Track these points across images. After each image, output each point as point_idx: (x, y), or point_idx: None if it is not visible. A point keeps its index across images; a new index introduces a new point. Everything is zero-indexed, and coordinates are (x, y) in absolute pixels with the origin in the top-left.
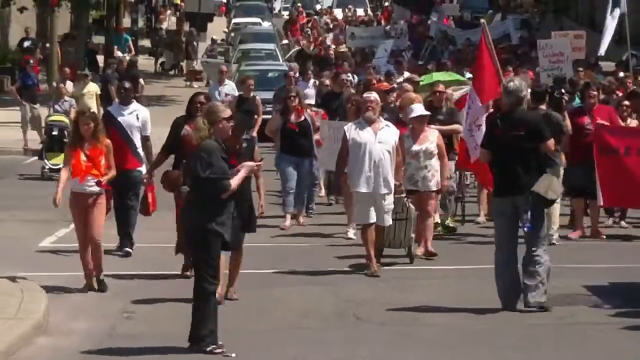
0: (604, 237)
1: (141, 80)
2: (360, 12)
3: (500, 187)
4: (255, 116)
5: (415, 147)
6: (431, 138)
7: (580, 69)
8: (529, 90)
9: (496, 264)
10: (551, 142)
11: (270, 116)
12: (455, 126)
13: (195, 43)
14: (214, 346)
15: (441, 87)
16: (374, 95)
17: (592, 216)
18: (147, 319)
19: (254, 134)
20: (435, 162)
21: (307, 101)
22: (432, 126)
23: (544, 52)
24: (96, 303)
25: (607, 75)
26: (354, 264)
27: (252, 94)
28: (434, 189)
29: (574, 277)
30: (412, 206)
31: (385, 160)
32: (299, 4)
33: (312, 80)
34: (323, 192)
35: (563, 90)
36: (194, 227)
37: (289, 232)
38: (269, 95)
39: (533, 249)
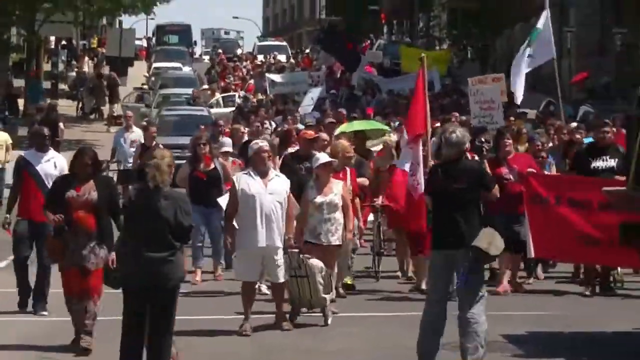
0: (526, 288)
1: (61, 124)
2: (282, 58)
3: (439, 239)
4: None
5: (319, 199)
6: (335, 190)
7: (512, 117)
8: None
9: (423, 321)
10: (496, 190)
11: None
12: (362, 180)
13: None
14: None
15: (323, 136)
16: (266, 144)
17: (513, 271)
18: None
19: None
20: (339, 216)
21: (225, 149)
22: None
23: (474, 99)
24: (13, 349)
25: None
26: (272, 311)
27: (154, 142)
28: (337, 243)
29: (492, 325)
30: (313, 262)
31: (276, 212)
32: (220, 50)
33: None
34: None
35: (483, 139)
36: (182, 273)
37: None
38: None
39: (470, 307)
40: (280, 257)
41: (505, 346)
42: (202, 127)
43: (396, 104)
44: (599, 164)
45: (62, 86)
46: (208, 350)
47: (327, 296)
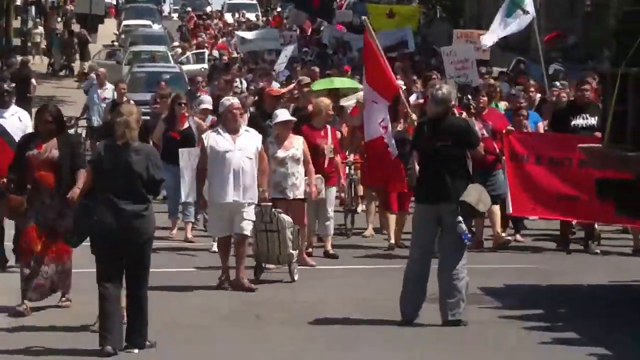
0: (509, 238)
1: (33, 81)
2: (251, 16)
3: (425, 193)
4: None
5: (281, 153)
6: (296, 144)
7: (486, 75)
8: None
9: (406, 275)
10: (481, 147)
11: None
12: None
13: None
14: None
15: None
16: (237, 101)
17: (492, 222)
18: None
19: None
20: (301, 169)
21: (204, 106)
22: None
23: (449, 60)
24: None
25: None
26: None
27: (125, 99)
28: (302, 196)
29: (470, 278)
30: (284, 217)
31: (246, 168)
32: (189, 8)
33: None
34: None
35: (469, 96)
36: (150, 235)
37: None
38: None
39: (453, 263)
40: (248, 212)
41: (483, 298)
42: (163, 83)
43: None
44: (579, 122)
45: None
46: (187, 304)
47: (294, 252)
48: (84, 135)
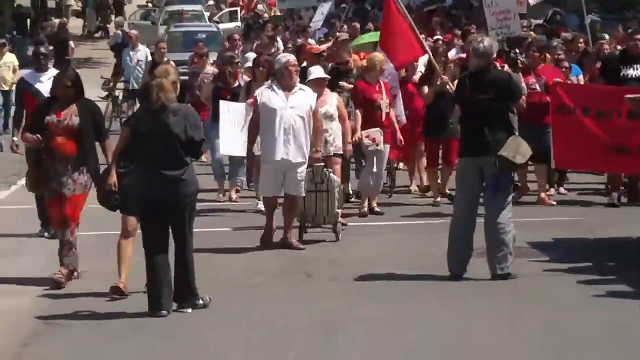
0: (554, 203)
1: (71, 43)
2: None
3: (466, 147)
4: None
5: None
6: (330, 101)
7: (525, 28)
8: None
9: (452, 231)
10: (523, 100)
11: (187, 77)
12: None
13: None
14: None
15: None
16: (293, 58)
17: (539, 182)
18: (97, 278)
19: None
20: (335, 126)
21: (249, 64)
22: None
23: (490, 10)
24: (47, 264)
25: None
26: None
27: (165, 58)
28: (335, 152)
29: (517, 232)
30: (334, 177)
31: (297, 126)
32: None
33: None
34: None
35: (517, 50)
36: (194, 190)
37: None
38: None
39: (499, 217)
40: (301, 172)
41: (531, 252)
42: (200, 43)
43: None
44: (629, 72)
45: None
46: (234, 264)
47: (339, 211)
48: (120, 98)
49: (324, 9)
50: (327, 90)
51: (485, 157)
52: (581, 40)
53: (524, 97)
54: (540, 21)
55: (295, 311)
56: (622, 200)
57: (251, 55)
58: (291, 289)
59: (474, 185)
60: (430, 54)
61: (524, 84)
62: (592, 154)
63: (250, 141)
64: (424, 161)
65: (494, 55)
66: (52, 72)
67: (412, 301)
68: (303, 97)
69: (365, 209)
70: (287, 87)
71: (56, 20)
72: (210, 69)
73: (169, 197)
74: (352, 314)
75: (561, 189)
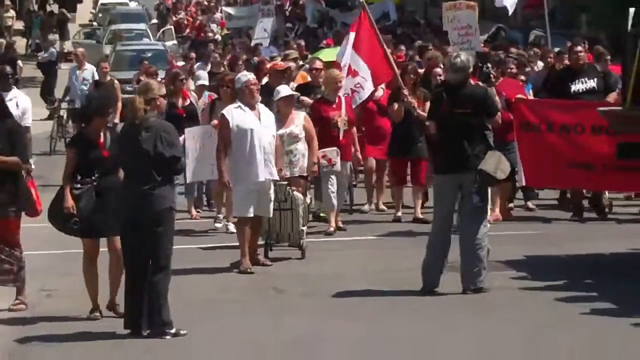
0: (500, 218)
1: (19, 62)
2: None
3: (443, 163)
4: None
5: (279, 131)
6: (297, 121)
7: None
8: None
9: (429, 245)
10: (499, 117)
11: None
12: None
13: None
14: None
15: (318, 64)
16: (252, 76)
17: (500, 198)
18: (68, 297)
19: (116, 120)
20: (301, 147)
21: (201, 82)
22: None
23: (452, 25)
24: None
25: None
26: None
27: (108, 77)
28: (299, 174)
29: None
30: (298, 195)
31: (271, 146)
32: None
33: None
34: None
35: (489, 65)
36: (163, 207)
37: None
38: None
39: (474, 231)
40: (272, 191)
41: (502, 266)
42: (146, 62)
43: None
44: (579, 86)
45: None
46: (203, 281)
47: (304, 229)
48: (65, 117)
49: (266, 24)
50: (293, 110)
51: (465, 174)
52: (551, 55)
53: (499, 113)
54: (484, 37)
55: (269, 327)
56: (584, 215)
57: (203, 74)
58: (262, 305)
59: (452, 200)
60: (397, 72)
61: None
62: (558, 171)
63: (223, 162)
64: (384, 180)
65: (471, 70)
66: (14, 93)
67: (384, 316)
68: (270, 116)
69: (332, 228)
70: (252, 107)
71: (1, 40)
72: None
73: (138, 213)
74: (325, 329)
75: (529, 204)
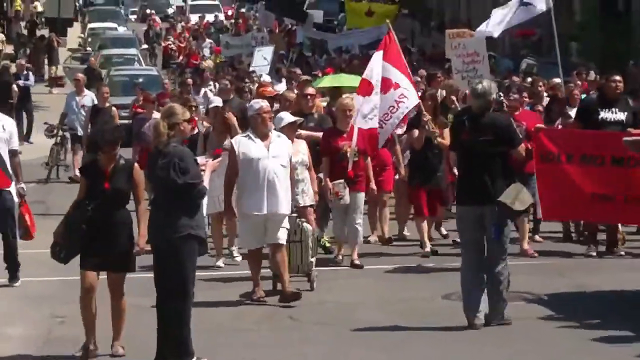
0: (536, 255)
1: (14, 86)
2: (209, 17)
3: (465, 194)
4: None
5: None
6: (302, 149)
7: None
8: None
9: (463, 280)
10: (522, 148)
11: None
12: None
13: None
14: None
15: (310, 91)
16: (266, 104)
17: (522, 232)
18: (80, 323)
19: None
20: (307, 174)
21: (215, 104)
22: (302, 131)
23: (456, 52)
24: (26, 309)
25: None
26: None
27: (107, 104)
28: (311, 203)
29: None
30: (307, 226)
31: (280, 176)
32: (151, 10)
33: (203, 90)
34: None
35: (501, 94)
36: (179, 234)
37: None
38: None
39: (495, 264)
40: (285, 222)
41: (523, 296)
42: (139, 88)
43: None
44: (607, 115)
45: None
46: (219, 310)
47: (313, 260)
48: (68, 144)
49: (265, 53)
50: (295, 138)
51: (486, 205)
52: (540, 83)
53: (522, 145)
54: None
55: (287, 356)
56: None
57: (216, 98)
58: (279, 334)
59: (475, 232)
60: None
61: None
62: (578, 204)
63: (228, 195)
64: (386, 212)
65: (493, 97)
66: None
67: (403, 347)
68: (282, 145)
69: (340, 257)
70: (264, 136)
71: None
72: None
73: (156, 240)
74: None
75: (536, 237)
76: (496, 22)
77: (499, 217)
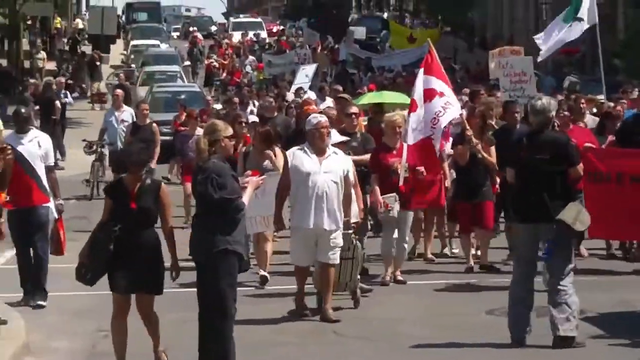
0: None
1: (57, 103)
2: (251, 34)
3: (520, 212)
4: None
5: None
6: (352, 167)
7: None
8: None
9: (513, 296)
10: (580, 167)
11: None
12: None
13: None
14: None
15: (354, 110)
16: (325, 119)
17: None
18: None
19: (153, 165)
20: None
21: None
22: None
23: (504, 72)
24: (72, 323)
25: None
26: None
27: (147, 120)
28: (356, 220)
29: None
30: (359, 244)
31: (330, 192)
32: (193, 28)
33: (249, 108)
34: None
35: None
36: (216, 249)
37: None
38: None
39: (559, 280)
40: (336, 239)
41: (594, 319)
42: (180, 105)
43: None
44: None
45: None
46: (261, 323)
47: (359, 277)
48: (106, 160)
49: (308, 71)
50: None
51: (543, 223)
52: (582, 100)
53: (581, 164)
54: None
55: None
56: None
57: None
58: (324, 349)
59: (530, 250)
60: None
61: None
62: (626, 223)
63: (279, 207)
64: (430, 229)
65: (552, 114)
66: (33, 133)
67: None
68: (337, 162)
69: (388, 277)
70: (320, 151)
71: (33, 80)
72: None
73: (196, 256)
74: None
75: (581, 249)
76: (549, 42)
77: (556, 236)
